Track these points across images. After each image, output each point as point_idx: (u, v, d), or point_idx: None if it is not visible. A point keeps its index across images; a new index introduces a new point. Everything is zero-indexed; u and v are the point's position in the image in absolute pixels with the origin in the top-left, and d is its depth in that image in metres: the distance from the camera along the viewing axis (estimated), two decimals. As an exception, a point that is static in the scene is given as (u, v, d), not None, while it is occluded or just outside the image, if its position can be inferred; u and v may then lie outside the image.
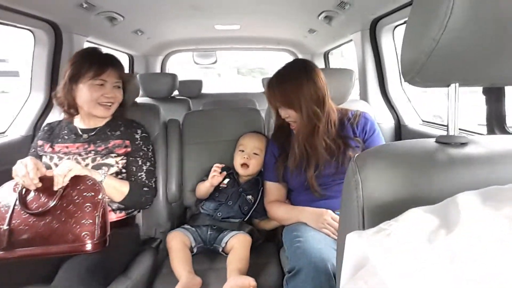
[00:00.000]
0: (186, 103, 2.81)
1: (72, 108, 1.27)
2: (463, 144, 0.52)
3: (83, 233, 1.00)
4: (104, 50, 1.32)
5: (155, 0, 1.78)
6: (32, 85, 1.76)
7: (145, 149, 1.32)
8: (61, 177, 1.05)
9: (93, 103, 1.24)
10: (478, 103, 1.25)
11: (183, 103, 2.80)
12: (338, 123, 1.27)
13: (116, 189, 1.20)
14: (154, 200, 1.36)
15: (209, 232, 1.32)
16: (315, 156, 1.21)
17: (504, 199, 0.36)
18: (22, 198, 1.05)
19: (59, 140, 1.28)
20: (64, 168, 1.06)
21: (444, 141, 0.53)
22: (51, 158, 1.24)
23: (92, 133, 1.28)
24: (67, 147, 1.26)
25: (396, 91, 1.95)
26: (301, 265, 0.97)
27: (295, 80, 1.20)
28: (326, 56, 3.11)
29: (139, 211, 1.39)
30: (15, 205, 1.03)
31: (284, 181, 1.31)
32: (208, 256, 1.30)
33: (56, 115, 1.72)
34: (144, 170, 1.29)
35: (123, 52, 2.91)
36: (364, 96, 2.05)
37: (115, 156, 1.26)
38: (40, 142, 1.29)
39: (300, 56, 3.25)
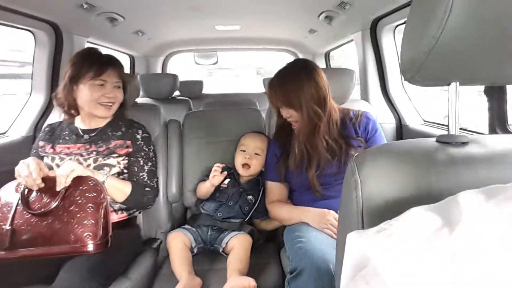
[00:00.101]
0: (187, 103, 2.81)
1: (72, 109, 1.28)
2: (464, 144, 0.52)
3: (85, 234, 1.00)
4: (105, 51, 1.33)
5: (156, 1, 1.78)
6: (32, 85, 1.76)
7: (147, 149, 1.32)
8: (63, 177, 1.05)
9: (94, 103, 1.24)
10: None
11: (184, 103, 2.80)
12: (340, 123, 1.27)
13: (118, 190, 1.20)
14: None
15: (209, 233, 1.32)
16: (316, 156, 1.21)
17: (506, 198, 0.35)
18: (25, 199, 1.06)
19: (60, 141, 1.28)
20: (67, 169, 1.06)
21: (445, 141, 0.52)
22: (53, 159, 1.24)
23: (93, 134, 1.29)
24: (68, 147, 1.26)
25: (397, 91, 1.95)
26: (303, 266, 0.96)
27: (296, 80, 1.20)
28: (327, 56, 3.11)
29: (140, 212, 1.39)
30: (17, 205, 1.04)
31: (286, 181, 1.31)
32: (208, 257, 1.30)
33: (56, 116, 1.73)
34: (146, 170, 1.29)
35: (124, 53, 2.92)
36: (365, 96, 2.05)
37: (116, 157, 1.26)
38: (41, 143, 1.29)
39: (301, 57, 3.25)
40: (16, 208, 1.03)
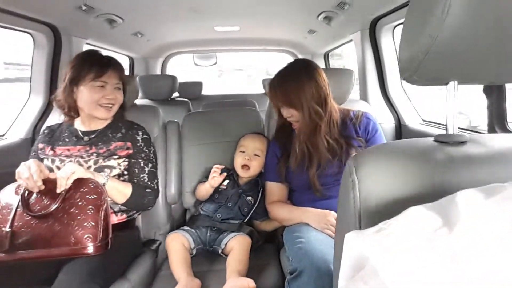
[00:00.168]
0: (186, 104, 2.81)
1: (72, 111, 1.28)
2: (462, 143, 0.52)
3: (85, 236, 1.00)
4: (104, 53, 1.32)
5: (154, 2, 1.78)
6: (31, 87, 1.76)
7: (147, 150, 1.32)
8: (64, 179, 1.05)
9: (94, 104, 1.24)
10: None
11: (183, 104, 2.80)
12: (341, 123, 1.27)
13: (119, 191, 1.20)
14: (153, 202, 1.36)
15: (208, 233, 1.32)
16: (317, 155, 1.21)
17: (505, 197, 0.35)
18: (25, 201, 1.05)
19: (60, 142, 1.28)
20: (67, 171, 1.06)
21: (443, 140, 0.52)
22: (53, 161, 1.24)
23: (93, 135, 1.28)
24: (68, 149, 1.26)
25: (396, 91, 1.95)
26: (303, 267, 0.96)
27: (297, 79, 1.21)
28: (326, 56, 3.11)
29: (139, 214, 1.39)
30: (17, 207, 1.04)
31: (286, 181, 1.31)
32: (207, 258, 1.30)
33: (55, 118, 1.72)
34: (146, 172, 1.29)
35: (123, 54, 2.92)
36: (364, 96, 2.05)
37: (117, 158, 1.26)
38: (40, 145, 1.29)
39: (300, 57, 3.25)
40: (16, 210, 1.03)
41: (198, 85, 3.52)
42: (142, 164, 1.29)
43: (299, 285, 0.95)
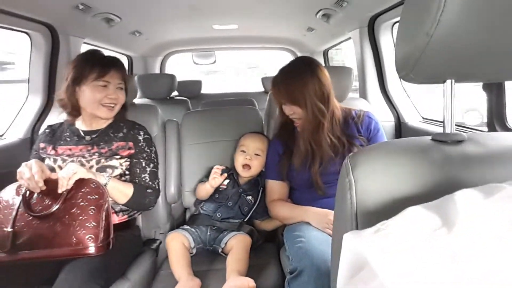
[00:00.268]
0: (185, 103, 2.80)
1: (75, 110, 1.27)
2: (460, 142, 0.51)
3: (86, 236, 1.00)
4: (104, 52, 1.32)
5: (152, 1, 1.77)
6: (29, 87, 1.76)
7: (148, 150, 1.32)
8: (65, 180, 1.05)
9: (96, 104, 1.23)
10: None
11: (182, 103, 2.79)
12: (343, 122, 1.27)
13: (121, 191, 1.20)
14: (154, 201, 1.36)
15: (208, 233, 1.32)
16: (320, 153, 1.21)
17: (504, 196, 0.35)
18: (26, 201, 1.05)
19: (61, 142, 1.27)
20: (69, 171, 1.06)
21: (440, 139, 0.52)
22: (55, 161, 1.23)
23: (95, 135, 1.28)
24: (70, 149, 1.25)
25: (395, 89, 1.94)
26: (303, 266, 0.96)
27: (300, 77, 1.21)
28: (325, 54, 3.10)
29: (140, 213, 1.39)
30: (19, 207, 1.04)
31: (287, 179, 1.31)
32: (207, 257, 1.30)
33: (54, 117, 1.72)
34: (148, 172, 1.29)
35: (121, 53, 2.91)
36: (363, 94, 2.04)
37: (119, 158, 1.25)
38: (42, 145, 1.29)
39: (299, 55, 3.25)
40: (17, 211, 1.03)
41: (197, 83, 3.51)
42: (143, 164, 1.29)
43: (299, 284, 0.95)
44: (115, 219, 1.24)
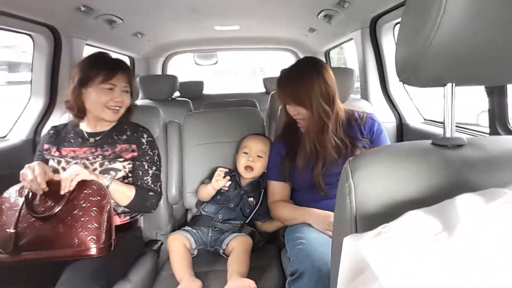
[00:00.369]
0: (187, 104, 2.80)
1: (81, 112, 1.28)
2: (460, 146, 0.51)
3: (88, 238, 1.00)
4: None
5: (154, 2, 1.77)
6: (32, 89, 1.77)
7: (151, 153, 1.32)
8: (68, 181, 1.06)
9: (102, 106, 1.24)
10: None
11: (184, 104, 2.79)
12: (346, 123, 1.27)
13: (123, 194, 1.20)
14: (155, 203, 1.36)
15: (210, 234, 1.32)
16: (323, 154, 1.21)
17: (505, 201, 0.35)
18: (29, 202, 1.06)
19: (66, 143, 1.28)
20: (72, 173, 1.07)
21: (440, 143, 0.51)
22: (59, 162, 1.24)
23: (99, 137, 1.29)
24: (74, 151, 1.26)
25: (397, 90, 1.94)
26: (304, 268, 0.96)
27: (306, 78, 1.20)
28: (327, 55, 3.10)
29: (141, 215, 1.39)
30: (21, 208, 1.04)
31: (290, 181, 1.31)
32: (208, 258, 1.30)
33: (56, 119, 1.73)
34: (150, 175, 1.29)
35: (124, 54, 2.92)
36: (365, 95, 2.04)
37: (122, 161, 1.26)
38: (46, 146, 1.29)
39: (301, 56, 3.24)
40: (20, 212, 1.04)
41: (199, 84, 3.52)
42: (146, 167, 1.29)
43: (299, 286, 0.95)
44: (117, 220, 1.24)
